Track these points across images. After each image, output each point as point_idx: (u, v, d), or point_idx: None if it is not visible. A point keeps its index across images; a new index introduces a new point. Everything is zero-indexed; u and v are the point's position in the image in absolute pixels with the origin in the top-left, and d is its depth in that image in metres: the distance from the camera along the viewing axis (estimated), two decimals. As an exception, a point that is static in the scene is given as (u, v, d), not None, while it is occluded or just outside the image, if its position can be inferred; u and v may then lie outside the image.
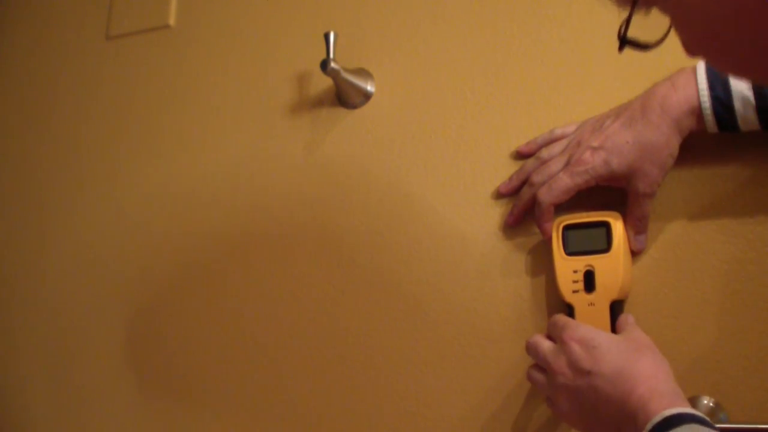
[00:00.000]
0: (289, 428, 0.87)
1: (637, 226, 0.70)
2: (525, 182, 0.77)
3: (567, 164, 0.71)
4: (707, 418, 0.53)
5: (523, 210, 0.76)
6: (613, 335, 0.63)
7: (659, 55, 0.73)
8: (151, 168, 1.04)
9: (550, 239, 0.72)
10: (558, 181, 0.71)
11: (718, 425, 0.63)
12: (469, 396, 0.78)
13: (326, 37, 0.85)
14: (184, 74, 1.05)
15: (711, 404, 0.66)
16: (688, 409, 0.53)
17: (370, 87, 0.90)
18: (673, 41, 0.77)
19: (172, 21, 1.08)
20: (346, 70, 0.86)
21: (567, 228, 0.71)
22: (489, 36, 0.85)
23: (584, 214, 0.72)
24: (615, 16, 0.82)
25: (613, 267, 0.68)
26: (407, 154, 0.87)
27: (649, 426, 0.52)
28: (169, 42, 1.08)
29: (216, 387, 0.92)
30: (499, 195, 0.80)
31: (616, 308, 0.68)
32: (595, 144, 0.69)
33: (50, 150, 1.14)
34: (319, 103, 0.93)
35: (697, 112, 0.65)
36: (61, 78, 1.17)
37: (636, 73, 0.75)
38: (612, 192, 0.71)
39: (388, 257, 0.85)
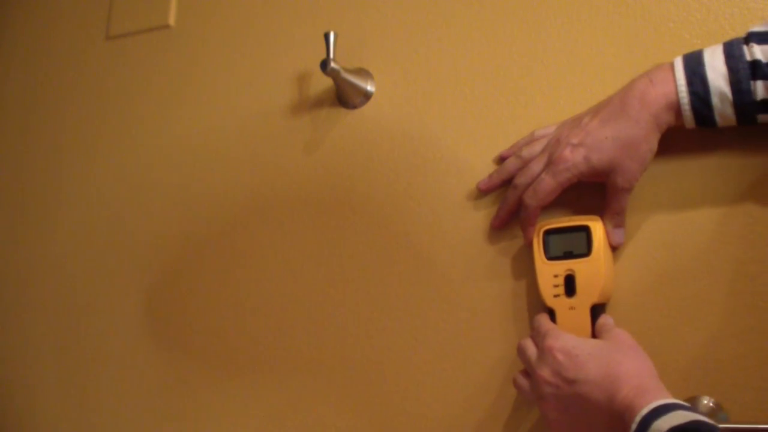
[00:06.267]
0: (288, 428, 0.87)
1: (615, 219, 0.70)
2: (505, 181, 0.78)
3: (548, 163, 0.71)
4: (692, 407, 0.53)
5: (508, 213, 0.77)
6: (593, 340, 0.64)
7: (659, 54, 0.74)
8: (148, 168, 1.04)
9: (531, 244, 0.73)
10: (541, 182, 0.71)
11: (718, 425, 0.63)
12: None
13: (326, 37, 0.85)
14: (184, 74, 1.05)
15: (711, 404, 0.66)
16: (673, 400, 0.54)
17: (370, 87, 0.90)
18: (672, 40, 0.78)
19: (172, 21, 1.08)
20: (346, 70, 0.86)
21: (548, 233, 0.71)
22: (489, 36, 0.85)
23: (565, 218, 0.72)
24: (615, 16, 0.83)
25: (593, 271, 0.68)
26: (407, 154, 0.87)
27: (637, 418, 0.53)
28: (169, 42, 1.08)
29: (213, 386, 0.93)
30: (478, 192, 0.81)
31: (596, 312, 0.69)
32: (574, 141, 0.69)
33: (50, 150, 1.14)
34: (319, 103, 0.93)
35: (676, 107, 0.65)
36: (61, 78, 1.17)
37: (636, 73, 0.75)
38: (594, 192, 0.72)
39: (389, 258, 0.85)
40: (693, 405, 0.66)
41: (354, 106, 0.91)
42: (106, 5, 1.15)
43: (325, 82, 0.93)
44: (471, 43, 0.86)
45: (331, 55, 0.84)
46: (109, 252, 1.05)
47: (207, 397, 0.93)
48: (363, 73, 0.90)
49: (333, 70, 0.84)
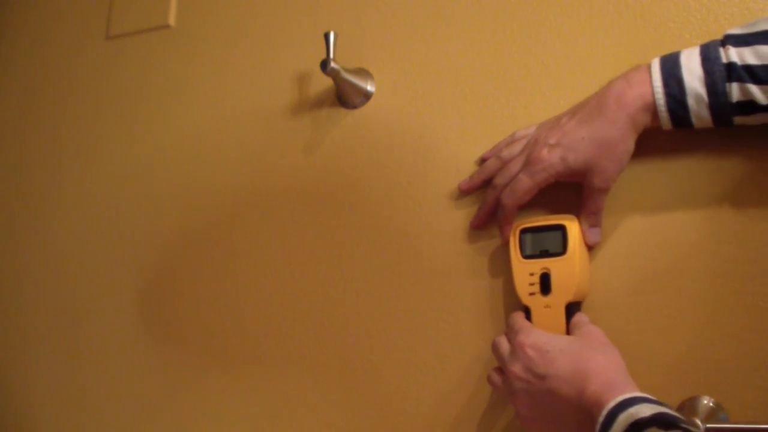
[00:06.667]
0: (288, 427, 0.87)
1: (591, 219, 0.71)
2: (485, 182, 0.78)
3: (526, 163, 0.72)
4: (658, 400, 0.54)
5: (488, 212, 0.78)
6: (565, 337, 0.65)
7: (659, 55, 0.73)
8: (148, 168, 1.04)
9: (508, 243, 0.73)
10: (518, 182, 0.72)
11: (718, 425, 0.64)
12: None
13: (326, 37, 0.85)
14: (183, 74, 1.05)
15: (711, 404, 0.66)
16: (640, 394, 0.55)
17: (370, 87, 0.90)
18: (672, 40, 0.77)
19: (172, 21, 1.08)
20: (346, 70, 0.86)
21: (524, 231, 0.72)
22: (489, 36, 0.85)
23: (541, 217, 0.73)
24: (615, 16, 0.83)
25: (568, 270, 0.69)
26: (407, 154, 0.87)
27: (604, 412, 0.54)
28: (169, 42, 1.08)
29: (213, 385, 0.93)
30: (460, 193, 0.82)
31: (572, 310, 0.69)
32: (551, 141, 0.70)
33: (49, 149, 1.14)
34: (319, 103, 0.93)
35: (652, 108, 0.65)
36: (61, 78, 1.17)
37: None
38: (573, 191, 0.72)
39: (389, 257, 0.85)
40: (693, 405, 0.67)
41: (354, 106, 0.91)
42: (106, 5, 1.15)
43: (325, 82, 0.93)
44: (471, 43, 0.86)
45: (331, 55, 0.84)
46: (108, 252, 1.05)
47: (206, 396, 0.93)
48: (363, 73, 0.90)
49: (333, 70, 0.84)
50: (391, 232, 0.86)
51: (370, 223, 0.87)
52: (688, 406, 0.67)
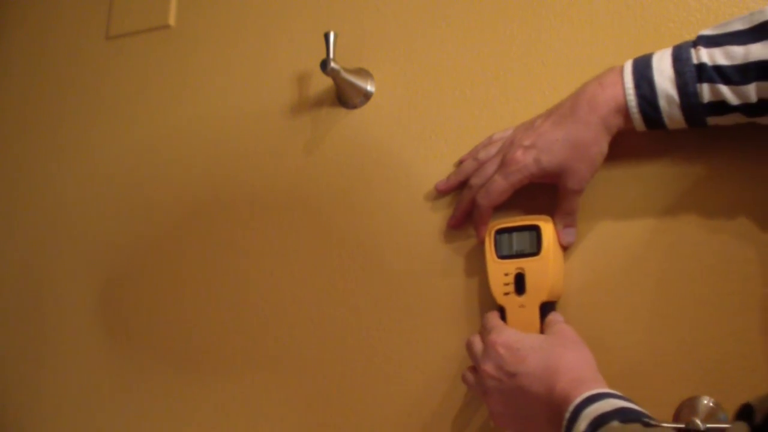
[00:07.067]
0: (288, 426, 0.87)
1: (565, 220, 0.72)
2: (462, 182, 0.79)
3: (501, 165, 0.72)
4: (625, 396, 0.55)
5: (463, 213, 0.78)
6: (536, 335, 0.66)
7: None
8: (148, 167, 1.04)
9: (483, 243, 0.74)
10: (493, 183, 0.72)
11: (718, 425, 0.64)
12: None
13: (326, 37, 0.85)
14: (183, 74, 1.05)
15: (711, 404, 0.66)
16: (607, 390, 0.56)
17: (370, 87, 0.90)
18: (672, 40, 0.77)
19: (172, 21, 1.08)
20: (346, 70, 0.86)
21: (499, 232, 0.72)
22: (489, 36, 0.85)
23: (516, 218, 0.73)
24: (615, 16, 0.83)
25: (542, 269, 0.69)
26: (407, 154, 0.87)
27: (570, 407, 0.54)
28: (169, 42, 1.08)
29: (210, 385, 0.93)
30: (436, 193, 0.82)
31: (546, 310, 0.69)
32: (526, 143, 0.70)
33: (48, 149, 1.14)
34: (319, 103, 0.93)
35: (624, 110, 0.66)
36: (61, 78, 1.17)
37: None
38: (549, 192, 0.72)
39: (389, 257, 0.85)
40: (693, 405, 0.67)
41: (354, 106, 0.91)
42: (106, 5, 1.15)
43: (325, 82, 0.93)
44: (471, 43, 0.86)
45: (331, 55, 0.84)
46: (108, 251, 1.05)
47: (204, 397, 0.93)
48: (363, 73, 0.90)
49: (333, 70, 0.84)
50: (391, 232, 0.85)
51: (370, 222, 0.87)
52: (688, 406, 0.67)
